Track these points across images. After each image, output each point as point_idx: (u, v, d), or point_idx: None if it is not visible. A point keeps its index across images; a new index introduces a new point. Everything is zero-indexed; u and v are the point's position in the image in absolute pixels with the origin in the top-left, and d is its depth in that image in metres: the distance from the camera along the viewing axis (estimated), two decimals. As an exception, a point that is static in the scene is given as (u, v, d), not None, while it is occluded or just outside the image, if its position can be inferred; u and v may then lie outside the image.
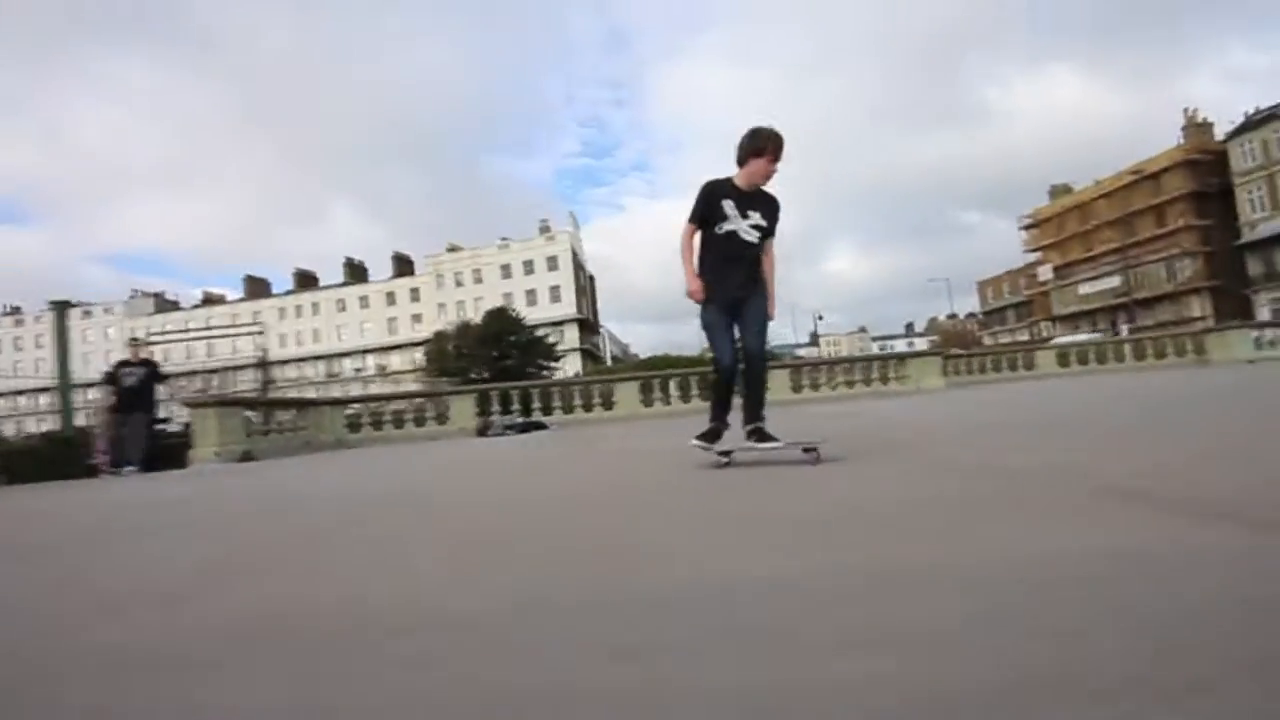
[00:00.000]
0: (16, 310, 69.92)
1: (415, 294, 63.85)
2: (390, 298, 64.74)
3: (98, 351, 61.15)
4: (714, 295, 3.35)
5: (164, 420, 10.11)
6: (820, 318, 54.63)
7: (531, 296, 60.83)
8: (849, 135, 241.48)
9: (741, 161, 3.32)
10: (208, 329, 47.81)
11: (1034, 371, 14.72)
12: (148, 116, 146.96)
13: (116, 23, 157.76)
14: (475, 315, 61.03)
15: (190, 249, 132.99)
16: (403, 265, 66.83)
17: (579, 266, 64.65)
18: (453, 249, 65.01)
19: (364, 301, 65.29)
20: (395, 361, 62.51)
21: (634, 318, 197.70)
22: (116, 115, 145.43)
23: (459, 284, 62.57)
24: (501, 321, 33.45)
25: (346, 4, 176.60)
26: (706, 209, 3.33)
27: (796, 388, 12.71)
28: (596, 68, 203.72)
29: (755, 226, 3.31)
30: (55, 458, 9.66)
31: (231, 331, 45.62)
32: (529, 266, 61.40)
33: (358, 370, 62.51)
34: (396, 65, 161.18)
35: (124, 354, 9.68)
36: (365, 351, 64.13)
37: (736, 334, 3.38)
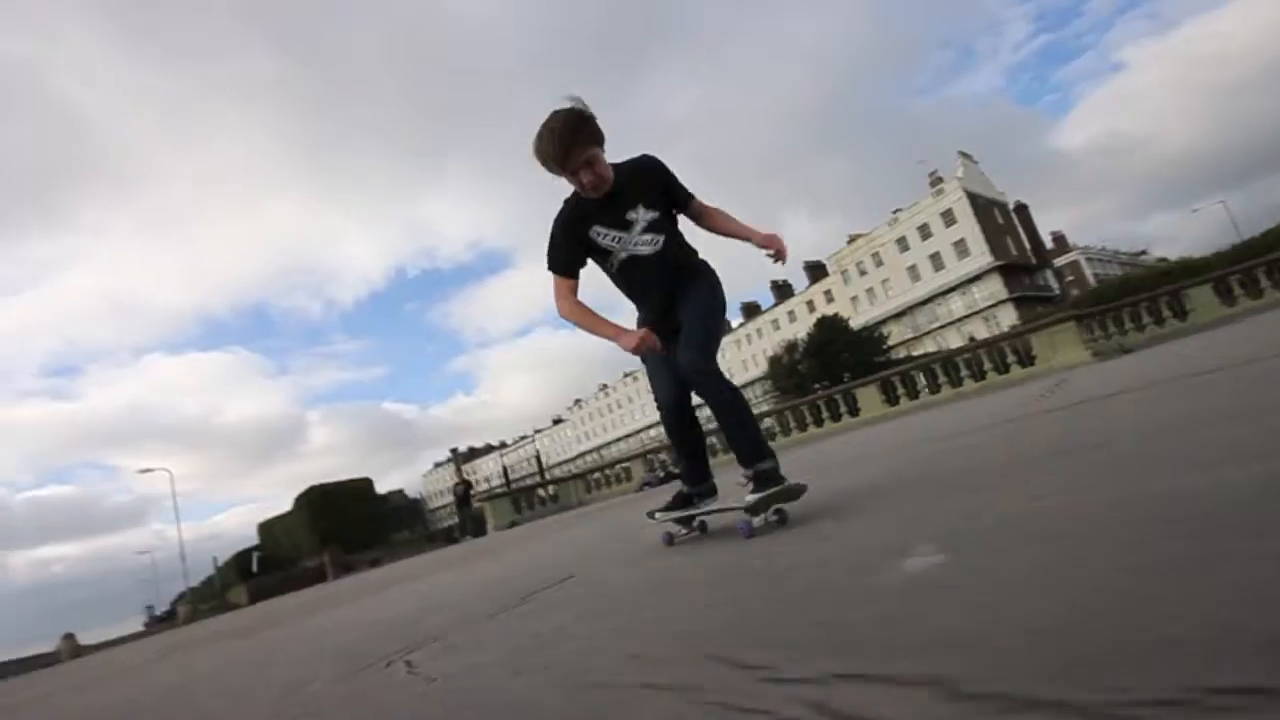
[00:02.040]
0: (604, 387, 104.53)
1: (829, 295, 67.17)
2: (810, 305, 69.88)
3: (639, 403, 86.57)
4: (645, 320, 2.48)
5: (478, 510, 18.01)
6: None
7: (936, 261, 56.26)
8: None
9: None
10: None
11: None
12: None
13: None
14: (885, 300, 60.46)
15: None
16: (817, 271, 71.26)
17: (991, 204, 56.11)
18: (852, 239, 65.88)
19: (791, 316, 72.39)
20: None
21: (1190, 192, 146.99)
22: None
23: (862, 273, 62.91)
24: (826, 331, 34.08)
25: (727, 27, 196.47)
26: (571, 255, 2.33)
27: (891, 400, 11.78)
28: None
29: (648, 228, 2.32)
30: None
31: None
32: (924, 231, 56.99)
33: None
34: (783, 56, 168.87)
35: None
36: (805, 359, 70.85)
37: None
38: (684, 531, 2.60)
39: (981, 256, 52.94)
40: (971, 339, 51.62)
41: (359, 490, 32.08)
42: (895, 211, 60.81)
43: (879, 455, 4.58)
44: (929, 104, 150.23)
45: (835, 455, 6.09)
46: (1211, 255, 31.80)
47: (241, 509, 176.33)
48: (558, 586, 2.35)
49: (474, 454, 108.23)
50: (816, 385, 30.88)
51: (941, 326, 56.01)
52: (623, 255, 2.34)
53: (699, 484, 2.59)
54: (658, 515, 2.67)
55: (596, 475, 18.07)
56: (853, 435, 9.33)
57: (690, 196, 2.44)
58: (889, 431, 7.61)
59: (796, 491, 2.22)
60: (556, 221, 2.34)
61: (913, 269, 58.13)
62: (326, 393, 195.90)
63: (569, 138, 2.14)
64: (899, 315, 59.46)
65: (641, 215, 2.32)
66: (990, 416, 5.10)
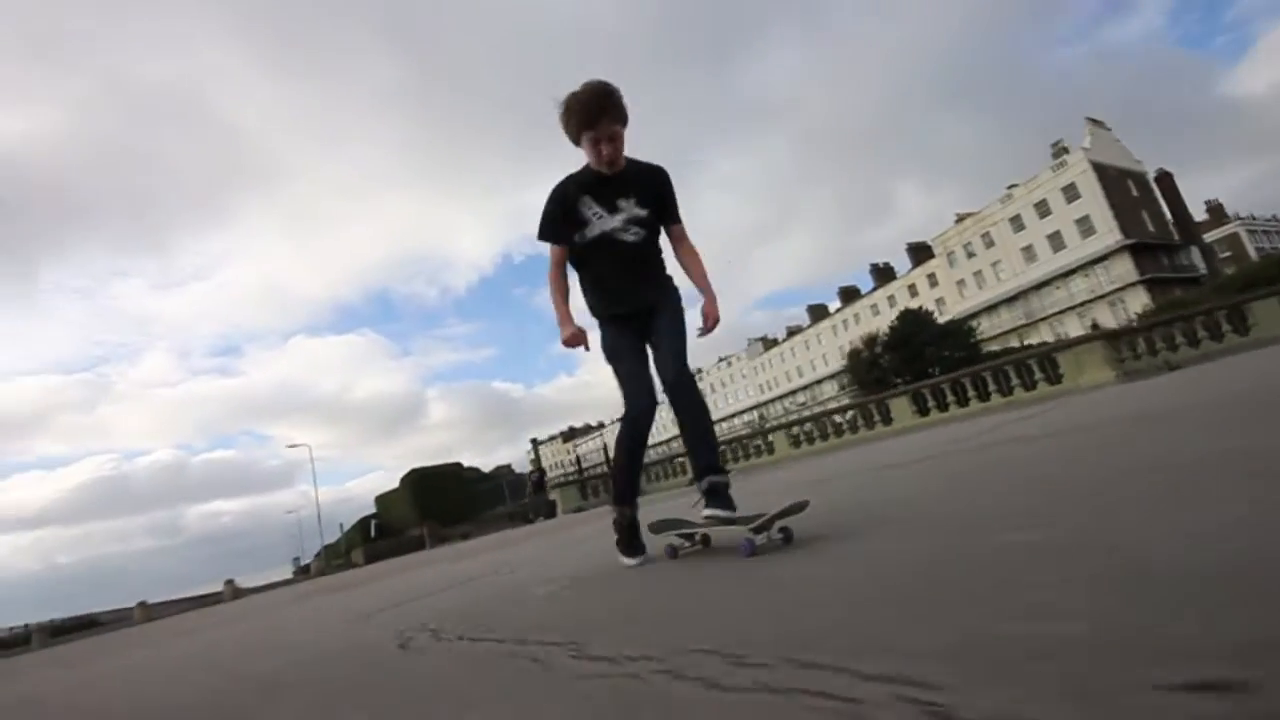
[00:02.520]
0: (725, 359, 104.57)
1: (933, 279, 63.59)
2: (912, 290, 66.46)
3: (731, 388, 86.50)
4: (608, 310, 2.48)
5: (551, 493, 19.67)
6: None
7: (1056, 240, 51.64)
8: None
9: (578, 144, 2.34)
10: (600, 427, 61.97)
11: None
12: (757, 192, 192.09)
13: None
14: (996, 284, 56.32)
15: (805, 275, 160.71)
16: (920, 253, 67.51)
17: (1124, 175, 50.54)
18: (960, 218, 61.74)
19: (891, 300, 69.23)
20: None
21: None
22: (728, 199, 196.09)
23: (970, 255, 58.95)
24: (909, 324, 32.59)
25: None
26: (559, 221, 2.40)
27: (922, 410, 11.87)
28: None
29: (633, 220, 2.37)
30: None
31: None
32: (1043, 209, 52.37)
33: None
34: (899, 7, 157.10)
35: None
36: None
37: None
38: (687, 545, 2.52)
39: (1109, 235, 48.01)
40: (1095, 325, 47.14)
41: (452, 473, 36.09)
42: (1010, 187, 56.26)
43: (817, 482, 5.31)
44: (1074, 56, 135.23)
45: (766, 483, 6.78)
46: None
47: (373, 476, 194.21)
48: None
49: (574, 434, 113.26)
50: (898, 380, 30.16)
51: (1060, 312, 51.55)
52: (597, 232, 2.39)
53: (634, 501, 2.61)
54: (631, 561, 2.60)
55: (656, 468, 19.23)
56: (839, 454, 9.66)
57: (680, 219, 2.53)
58: (860, 454, 8.01)
59: (800, 507, 2.16)
60: (551, 194, 2.42)
61: (1028, 249, 53.75)
62: (444, 372, 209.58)
63: (604, 102, 2.25)
64: (1011, 300, 55.34)
65: (631, 207, 2.40)
66: (923, 450, 5.61)
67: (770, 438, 16.42)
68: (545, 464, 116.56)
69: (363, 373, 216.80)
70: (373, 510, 37.53)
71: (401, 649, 1.91)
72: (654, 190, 2.45)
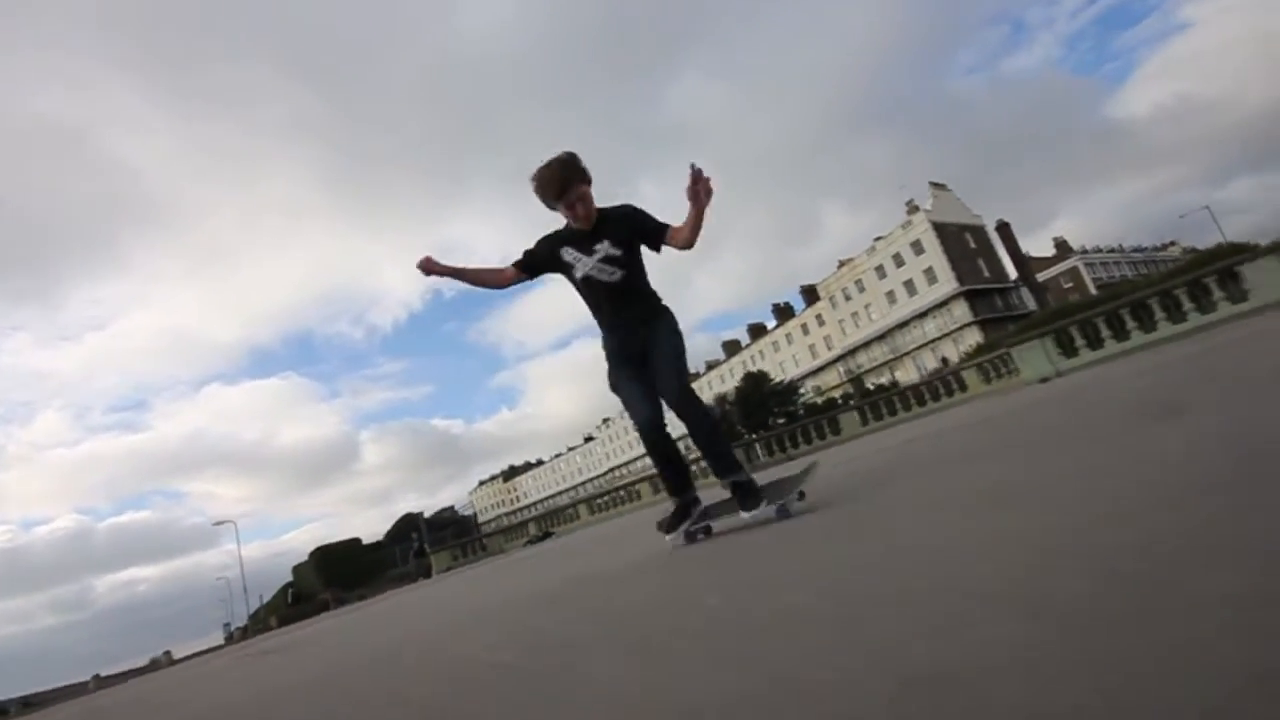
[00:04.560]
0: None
1: (820, 320, 70.98)
2: (805, 329, 73.77)
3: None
4: (606, 348, 2.94)
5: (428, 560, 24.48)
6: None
7: (910, 287, 59.49)
8: None
9: (554, 210, 2.79)
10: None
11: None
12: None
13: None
14: (869, 323, 63.85)
15: (738, 298, 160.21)
16: (810, 295, 75.01)
17: (962, 230, 58.88)
18: (841, 264, 69.41)
19: (789, 339, 76.46)
20: (830, 378, 70.46)
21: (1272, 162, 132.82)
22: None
23: (847, 298, 66.52)
24: (750, 384, 38.82)
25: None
26: (537, 255, 2.88)
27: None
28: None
29: (608, 260, 2.77)
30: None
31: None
32: (898, 260, 60.28)
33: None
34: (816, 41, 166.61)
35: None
36: (805, 377, 74.66)
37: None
38: (700, 535, 2.96)
39: (947, 283, 55.99)
40: (944, 360, 54.77)
41: (352, 546, 40.89)
42: (876, 239, 64.18)
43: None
44: (979, 82, 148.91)
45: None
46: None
47: (311, 526, 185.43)
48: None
49: (515, 471, 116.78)
50: (744, 432, 35.94)
51: (918, 348, 59.17)
52: (580, 274, 2.81)
53: (686, 492, 2.97)
54: (668, 537, 3.03)
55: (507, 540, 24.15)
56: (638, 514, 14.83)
57: (665, 225, 2.77)
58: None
59: (809, 471, 2.83)
60: (543, 237, 2.90)
61: (890, 294, 61.48)
62: (377, 412, 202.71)
63: (569, 173, 2.67)
64: (881, 337, 62.88)
65: (605, 248, 2.77)
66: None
67: (579, 507, 21.75)
68: (486, 503, 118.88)
69: (287, 419, 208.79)
70: (290, 579, 41.90)
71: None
72: (625, 228, 2.80)
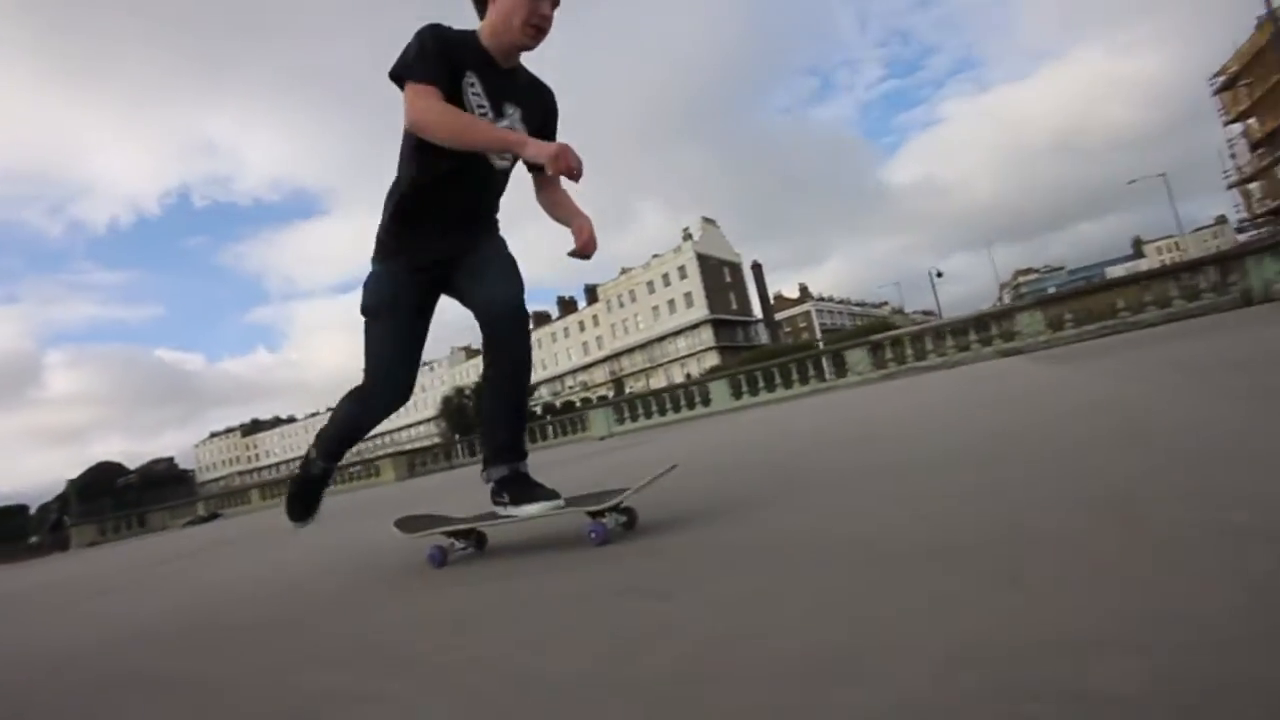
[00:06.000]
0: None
1: (595, 320, 75.99)
2: (581, 325, 78.32)
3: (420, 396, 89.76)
4: (399, 248, 1.88)
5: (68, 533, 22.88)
6: (939, 274, 45.20)
7: (671, 306, 66.70)
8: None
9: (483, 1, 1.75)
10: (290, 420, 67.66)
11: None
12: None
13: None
14: (635, 331, 70.16)
15: (532, 278, 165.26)
16: (591, 294, 79.70)
17: (722, 264, 67.44)
18: (623, 271, 74.93)
19: (566, 331, 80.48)
20: (598, 375, 75.66)
21: (994, 236, 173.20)
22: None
23: (621, 305, 72.23)
24: None
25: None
26: (440, 68, 1.68)
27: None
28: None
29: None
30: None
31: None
32: (666, 279, 67.21)
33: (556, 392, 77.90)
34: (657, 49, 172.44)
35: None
36: (575, 371, 79.21)
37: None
38: (460, 546, 1.96)
39: (700, 309, 64.03)
40: (689, 376, 62.52)
41: None
42: (654, 256, 70.56)
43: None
44: (789, 121, 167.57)
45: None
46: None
47: None
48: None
49: (259, 426, 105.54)
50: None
51: (671, 361, 66.68)
52: None
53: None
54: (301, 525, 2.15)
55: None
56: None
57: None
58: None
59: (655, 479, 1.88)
60: (430, 32, 1.68)
61: (655, 309, 68.25)
62: (75, 330, 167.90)
63: None
64: (643, 346, 69.54)
65: (515, 120, 1.79)
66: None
67: (250, 491, 22.33)
68: (216, 459, 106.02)
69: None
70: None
71: None
72: (542, 111, 1.88)
